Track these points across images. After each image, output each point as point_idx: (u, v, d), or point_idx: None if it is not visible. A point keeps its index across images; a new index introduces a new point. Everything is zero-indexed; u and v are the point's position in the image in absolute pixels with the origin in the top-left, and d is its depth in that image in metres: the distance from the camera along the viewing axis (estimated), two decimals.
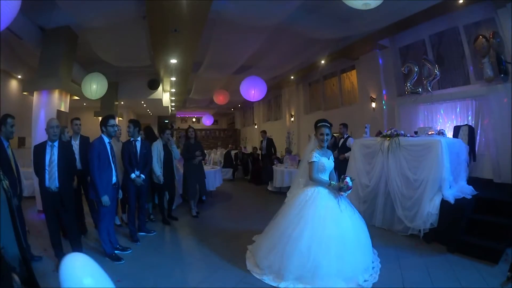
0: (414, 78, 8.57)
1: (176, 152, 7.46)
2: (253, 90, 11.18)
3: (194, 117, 32.10)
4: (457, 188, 5.47)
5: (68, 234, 4.85)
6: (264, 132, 13.74)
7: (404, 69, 8.73)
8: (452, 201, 5.12)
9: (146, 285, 4.12)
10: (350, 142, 8.06)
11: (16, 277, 1.03)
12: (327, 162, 4.36)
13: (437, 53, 8.94)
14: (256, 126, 23.54)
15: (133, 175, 5.83)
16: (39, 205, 7.36)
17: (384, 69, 10.34)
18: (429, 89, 8.30)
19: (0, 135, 4.63)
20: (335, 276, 3.78)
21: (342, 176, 4.26)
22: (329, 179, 4.39)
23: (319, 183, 4.27)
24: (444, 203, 5.16)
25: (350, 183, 4.15)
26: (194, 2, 6.78)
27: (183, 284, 4.19)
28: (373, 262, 4.39)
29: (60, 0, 7.08)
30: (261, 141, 13.46)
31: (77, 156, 5.93)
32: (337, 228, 3.98)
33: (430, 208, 5.19)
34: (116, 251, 5.11)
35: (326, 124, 4.41)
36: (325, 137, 4.34)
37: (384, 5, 5.18)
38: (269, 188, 11.08)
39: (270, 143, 13.14)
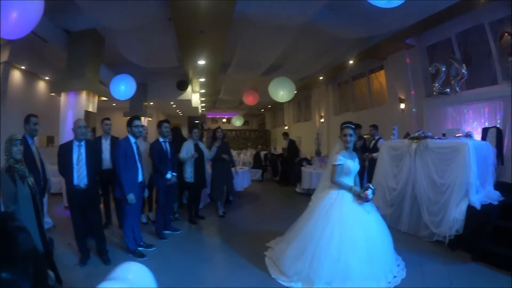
0: (442, 78, 8.30)
1: (207, 152, 7.53)
2: (281, 91, 11.20)
3: (224, 117, 32.34)
4: (483, 193, 5.27)
5: (94, 229, 4.99)
6: (285, 134, 13.71)
7: (432, 68, 8.50)
8: (478, 206, 4.93)
9: (166, 282, 4.20)
10: (381, 143, 7.96)
11: (51, 273, 1.09)
12: (352, 164, 4.31)
13: (464, 51, 8.65)
14: (286, 127, 23.48)
15: (169, 175, 6.00)
16: (66, 202, 7.64)
17: (411, 69, 10.11)
18: (457, 89, 8.02)
19: (25, 133, 4.81)
20: (366, 278, 3.78)
21: (366, 185, 4.19)
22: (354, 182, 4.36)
23: (340, 187, 4.23)
24: (470, 208, 4.99)
25: (370, 196, 4.08)
26: (218, 3, 6.84)
27: (204, 282, 4.29)
28: (396, 260, 4.46)
29: (84, 3, 7.22)
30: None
31: (107, 156, 6.16)
32: (364, 229, 3.97)
33: (456, 213, 5.02)
34: (139, 248, 5.29)
35: (350, 125, 4.36)
36: (349, 138, 4.29)
37: (409, 3, 5.10)
38: (297, 189, 11.06)
39: (292, 145, 13.07)
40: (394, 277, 4.08)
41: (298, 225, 4.50)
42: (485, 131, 7.23)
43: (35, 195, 3.47)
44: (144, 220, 7.04)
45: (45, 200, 6.25)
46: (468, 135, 5.86)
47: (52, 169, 9.87)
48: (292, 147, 13.00)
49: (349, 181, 4.33)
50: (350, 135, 4.30)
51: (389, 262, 4.20)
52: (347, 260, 3.79)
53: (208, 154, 7.54)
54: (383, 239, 4.17)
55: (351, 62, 11.96)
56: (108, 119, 6.53)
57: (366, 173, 8.53)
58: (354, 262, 3.78)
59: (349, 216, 4.02)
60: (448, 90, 8.18)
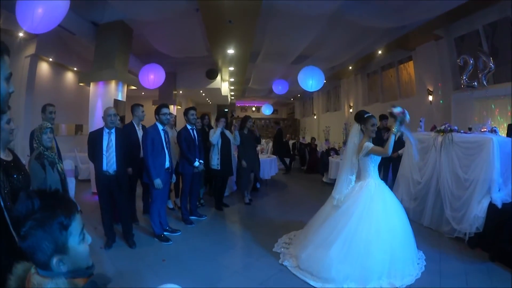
0: (469, 70, 8.09)
1: (237, 138, 7.58)
2: (310, 80, 11.20)
3: (253, 106, 32.45)
4: (505, 191, 5.14)
5: (121, 213, 5.21)
6: (276, 123, 13.87)
7: (460, 60, 8.27)
8: (499, 205, 4.81)
9: (189, 266, 4.44)
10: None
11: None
12: None
13: (491, 44, 8.36)
14: (315, 117, 23.42)
15: (196, 163, 6.17)
16: (94, 188, 8.02)
17: (440, 60, 9.88)
18: (484, 83, 7.77)
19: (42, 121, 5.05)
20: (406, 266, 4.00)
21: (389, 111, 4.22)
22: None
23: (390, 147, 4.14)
24: (491, 206, 4.89)
25: (397, 109, 4.13)
26: None
27: (225, 269, 4.45)
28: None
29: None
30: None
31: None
32: (398, 220, 4.14)
33: (478, 210, 4.93)
34: (165, 233, 5.51)
35: (373, 115, 4.41)
36: (375, 128, 4.36)
37: None
38: (324, 179, 11.08)
39: (279, 135, 13.69)
40: (418, 264, 4.27)
41: (333, 226, 4.19)
42: (510, 127, 7.07)
43: (64, 180, 3.68)
44: (171, 205, 7.27)
45: (72, 185, 6.57)
46: (493, 130, 5.72)
47: (80, 156, 10.32)
48: (279, 137, 13.12)
49: (375, 170, 4.37)
50: (375, 124, 4.36)
51: (414, 251, 4.33)
52: (394, 251, 3.89)
53: (237, 140, 7.59)
54: (408, 230, 4.29)
55: (380, 52, 11.80)
56: (141, 105, 6.53)
57: (391, 165, 8.51)
58: (400, 252, 3.93)
59: (389, 206, 4.14)
60: (475, 83, 7.98)
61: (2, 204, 1.68)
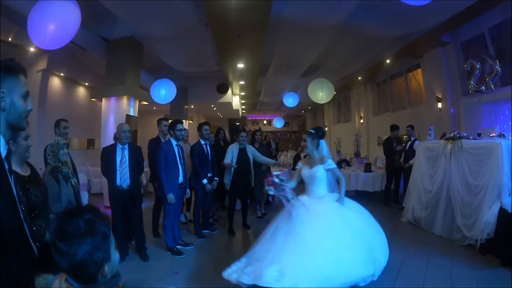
0: (477, 75, 7.96)
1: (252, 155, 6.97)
2: (320, 92, 11.20)
3: (265, 119, 32.52)
4: None
5: (135, 226, 5.25)
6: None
7: (467, 65, 8.17)
8: (510, 209, 4.75)
9: (201, 279, 4.46)
10: (417, 145, 7.87)
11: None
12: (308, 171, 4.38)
13: (497, 47, 8.25)
14: (326, 129, 23.35)
15: (205, 181, 6.16)
16: (106, 201, 8.04)
17: (448, 66, 9.82)
18: (492, 86, 7.62)
19: (55, 136, 5.10)
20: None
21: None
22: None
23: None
24: (502, 211, 4.84)
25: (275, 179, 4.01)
26: (253, 7, 6.92)
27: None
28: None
29: (120, 11, 7.50)
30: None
31: None
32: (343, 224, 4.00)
33: (488, 216, 4.87)
34: (178, 246, 5.54)
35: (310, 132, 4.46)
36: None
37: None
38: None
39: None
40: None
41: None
42: None
43: (78, 194, 3.74)
44: (183, 219, 7.27)
45: (85, 199, 6.64)
46: (502, 135, 5.66)
47: (93, 170, 10.40)
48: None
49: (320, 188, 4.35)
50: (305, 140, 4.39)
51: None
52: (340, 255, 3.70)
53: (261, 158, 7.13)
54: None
55: (388, 61, 11.79)
56: (166, 119, 6.56)
57: (403, 174, 8.46)
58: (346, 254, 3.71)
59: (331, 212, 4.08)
60: (483, 87, 7.88)
61: (22, 216, 1.70)
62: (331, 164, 4.35)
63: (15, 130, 1.67)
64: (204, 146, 6.33)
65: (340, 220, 3.99)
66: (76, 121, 11.03)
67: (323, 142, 4.49)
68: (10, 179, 1.63)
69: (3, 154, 1.58)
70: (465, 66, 8.33)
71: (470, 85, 8.11)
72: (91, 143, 12.90)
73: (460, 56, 9.46)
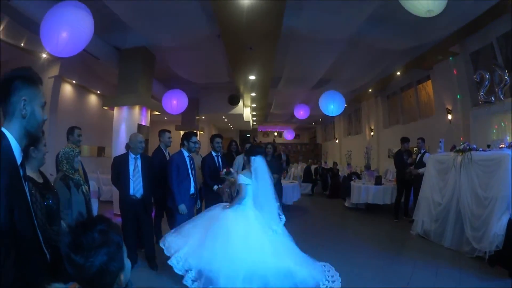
0: (486, 86, 7.91)
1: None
2: (331, 105, 11.25)
3: (275, 131, 32.57)
4: None
5: (145, 236, 5.26)
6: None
7: (476, 76, 8.14)
8: None
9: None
10: (426, 157, 7.84)
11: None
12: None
13: (505, 56, 8.20)
14: (337, 141, 23.35)
15: (215, 187, 6.13)
16: (116, 209, 8.06)
17: (457, 77, 9.80)
18: (501, 97, 7.57)
19: (68, 143, 5.10)
20: None
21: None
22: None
23: None
24: (511, 223, 4.76)
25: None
26: (265, 20, 7.02)
27: None
28: None
29: (133, 21, 7.67)
30: None
31: None
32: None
33: (497, 228, 4.80)
34: None
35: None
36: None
37: (450, 9, 5.11)
38: (346, 204, 10.94)
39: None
40: None
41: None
42: None
43: (89, 202, 3.79)
44: None
45: (95, 206, 6.68)
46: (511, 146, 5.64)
47: (102, 177, 10.42)
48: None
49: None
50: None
51: None
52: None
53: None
54: None
55: (398, 73, 11.81)
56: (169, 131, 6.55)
57: (413, 188, 8.42)
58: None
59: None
60: (492, 98, 7.83)
61: (36, 222, 1.74)
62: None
63: (30, 138, 1.72)
64: (215, 158, 6.34)
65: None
66: (87, 128, 11.04)
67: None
68: (25, 187, 1.67)
69: (19, 161, 1.63)
70: (474, 76, 8.31)
71: (480, 96, 8.08)
72: (101, 150, 13.03)
73: (470, 67, 9.44)
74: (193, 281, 4.07)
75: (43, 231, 1.95)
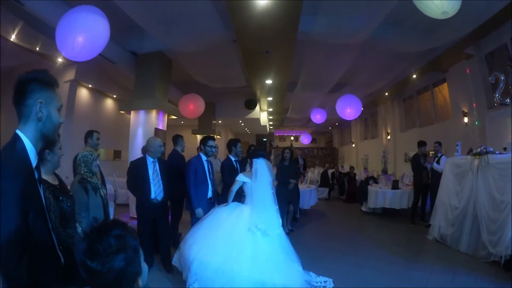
0: (501, 87, 7.83)
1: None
2: (348, 109, 11.23)
3: (292, 135, 32.56)
4: None
5: (163, 238, 5.31)
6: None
7: (491, 78, 8.03)
8: None
9: None
10: (442, 161, 7.78)
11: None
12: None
13: None
14: (353, 145, 23.22)
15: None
16: (132, 213, 8.20)
17: (473, 79, 9.66)
18: None
19: (86, 147, 5.20)
20: None
21: None
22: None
23: None
24: None
25: None
26: (281, 24, 7.04)
27: None
28: None
29: (149, 26, 7.69)
30: None
31: None
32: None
33: None
34: None
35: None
36: None
37: (464, 10, 5.09)
38: (363, 208, 10.88)
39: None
40: None
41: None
42: None
43: (107, 205, 3.85)
44: None
45: (112, 209, 6.81)
46: None
47: (119, 181, 10.48)
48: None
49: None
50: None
51: None
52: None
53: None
54: None
55: (414, 76, 11.75)
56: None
57: (430, 192, 8.35)
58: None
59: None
60: (508, 100, 7.72)
61: (50, 226, 1.76)
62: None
63: (46, 141, 1.74)
64: (234, 162, 6.35)
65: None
66: (103, 132, 10.94)
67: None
68: (40, 190, 1.71)
69: (34, 164, 1.66)
70: (489, 78, 8.20)
71: (495, 98, 7.98)
72: (117, 154, 13.14)
73: (485, 69, 9.33)
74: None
75: (57, 233, 1.98)
